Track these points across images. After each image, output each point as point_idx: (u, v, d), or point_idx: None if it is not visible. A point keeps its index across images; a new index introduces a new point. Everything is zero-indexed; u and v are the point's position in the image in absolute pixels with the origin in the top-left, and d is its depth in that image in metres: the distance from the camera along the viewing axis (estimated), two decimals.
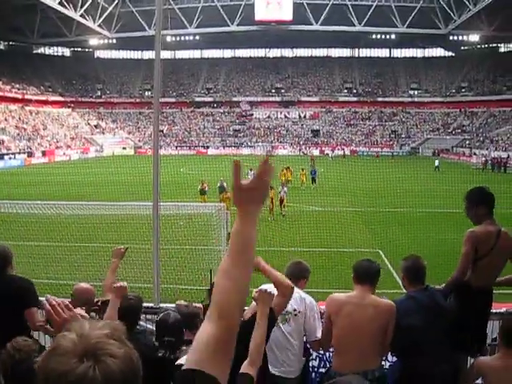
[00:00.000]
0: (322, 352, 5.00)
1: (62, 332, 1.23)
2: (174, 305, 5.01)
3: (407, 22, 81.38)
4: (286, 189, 26.43)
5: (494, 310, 5.16)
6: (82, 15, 78.27)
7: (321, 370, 5.02)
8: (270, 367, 3.99)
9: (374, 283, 4.23)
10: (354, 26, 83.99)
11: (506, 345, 3.64)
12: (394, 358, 4.88)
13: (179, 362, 2.96)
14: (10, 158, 61.07)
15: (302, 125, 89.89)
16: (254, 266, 1.62)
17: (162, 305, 5.70)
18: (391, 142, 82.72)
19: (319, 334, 4.45)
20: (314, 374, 5.02)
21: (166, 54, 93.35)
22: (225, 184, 26.71)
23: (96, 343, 1.17)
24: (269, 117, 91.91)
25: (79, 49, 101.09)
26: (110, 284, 4.82)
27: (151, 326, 4.91)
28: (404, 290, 4.66)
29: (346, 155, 67.99)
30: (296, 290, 4.03)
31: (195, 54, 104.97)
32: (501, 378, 3.52)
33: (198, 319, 4.22)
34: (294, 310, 4.33)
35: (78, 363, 1.13)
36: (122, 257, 5.05)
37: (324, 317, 4.33)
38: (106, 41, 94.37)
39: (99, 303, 4.38)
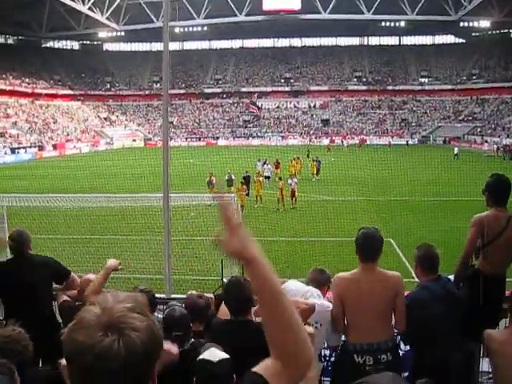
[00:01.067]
0: None
1: (86, 306, 1.26)
2: (185, 296, 5.00)
3: (417, 9, 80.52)
4: (295, 180, 25.88)
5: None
6: (89, 8, 78.29)
7: (332, 358, 5.01)
8: None
9: (378, 258, 4.24)
10: (363, 13, 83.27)
11: None
12: (407, 347, 4.87)
13: (202, 356, 2.94)
14: (20, 152, 61.44)
15: (312, 114, 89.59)
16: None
17: (173, 296, 5.71)
18: (402, 131, 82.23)
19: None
20: (326, 363, 5.01)
21: (174, 46, 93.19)
22: (233, 176, 26.56)
23: (119, 317, 1.20)
24: (278, 107, 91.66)
25: (88, 42, 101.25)
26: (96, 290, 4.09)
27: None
28: (416, 279, 4.64)
29: (362, 145, 67.31)
30: (321, 300, 4.07)
31: (203, 44, 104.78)
32: (506, 350, 3.51)
33: (209, 310, 4.20)
34: (316, 322, 4.27)
35: (103, 336, 1.17)
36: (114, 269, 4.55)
37: (333, 297, 4.33)
38: (114, 33, 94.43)
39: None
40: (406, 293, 4.45)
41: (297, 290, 4.22)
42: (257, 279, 1.56)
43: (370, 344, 4.11)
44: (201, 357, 2.85)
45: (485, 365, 4.71)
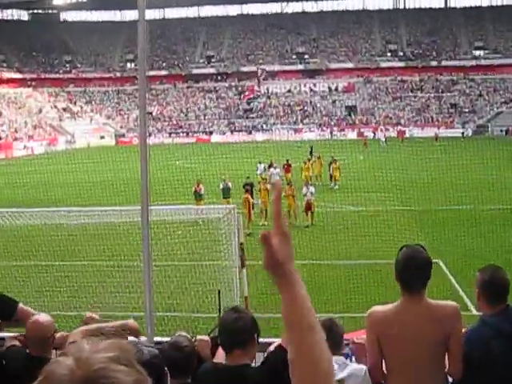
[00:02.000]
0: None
1: (57, 357, 1.22)
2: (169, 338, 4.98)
3: None
4: (312, 189, 25.22)
5: None
6: None
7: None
8: None
9: (425, 286, 4.19)
10: None
11: None
12: None
13: None
14: None
15: (334, 100, 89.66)
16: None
17: (156, 339, 5.69)
18: (451, 119, 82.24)
19: None
20: None
21: (152, 14, 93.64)
22: (230, 185, 26.29)
23: (98, 370, 1.14)
24: (289, 91, 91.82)
25: (40, 11, 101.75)
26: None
27: None
28: (475, 312, 4.63)
29: (402, 139, 66.48)
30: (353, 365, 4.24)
31: (191, 12, 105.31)
32: None
33: (193, 360, 4.10)
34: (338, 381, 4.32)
35: None
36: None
37: (367, 337, 4.32)
38: None
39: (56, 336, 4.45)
40: (464, 330, 4.43)
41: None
42: (290, 304, 1.61)
43: None
44: None
45: None
